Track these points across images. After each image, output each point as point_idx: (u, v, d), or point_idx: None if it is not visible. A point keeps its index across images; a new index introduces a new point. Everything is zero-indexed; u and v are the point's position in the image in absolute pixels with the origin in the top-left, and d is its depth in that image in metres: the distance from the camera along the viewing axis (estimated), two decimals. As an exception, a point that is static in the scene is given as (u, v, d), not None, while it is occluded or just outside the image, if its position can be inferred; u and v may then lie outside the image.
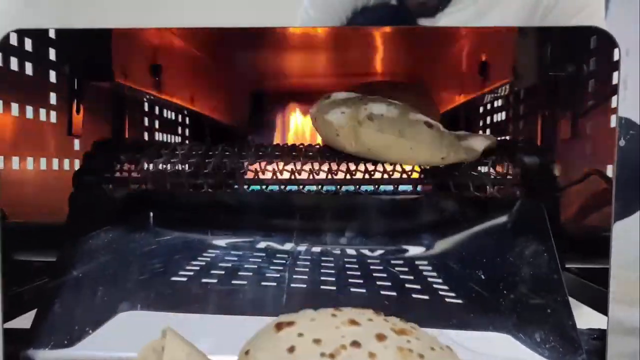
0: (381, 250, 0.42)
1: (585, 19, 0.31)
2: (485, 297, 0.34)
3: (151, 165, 0.45)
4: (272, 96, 1.19)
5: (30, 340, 0.32)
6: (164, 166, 0.45)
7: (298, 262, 0.41)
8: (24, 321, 0.35)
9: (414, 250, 0.41)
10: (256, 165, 0.47)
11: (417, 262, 0.40)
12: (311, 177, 0.46)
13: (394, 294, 0.37)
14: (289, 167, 0.47)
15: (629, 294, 0.31)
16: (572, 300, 0.44)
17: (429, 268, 0.39)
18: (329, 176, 0.46)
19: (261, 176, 0.47)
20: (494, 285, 0.34)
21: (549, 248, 0.36)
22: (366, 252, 0.42)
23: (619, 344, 0.30)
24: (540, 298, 0.33)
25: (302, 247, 0.43)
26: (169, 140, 0.93)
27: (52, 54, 0.58)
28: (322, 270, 0.40)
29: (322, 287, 0.38)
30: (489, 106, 0.85)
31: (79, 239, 0.40)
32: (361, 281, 0.38)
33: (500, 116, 0.81)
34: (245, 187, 0.48)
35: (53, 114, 0.58)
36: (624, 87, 0.29)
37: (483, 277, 0.35)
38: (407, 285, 0.37)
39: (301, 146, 0.51)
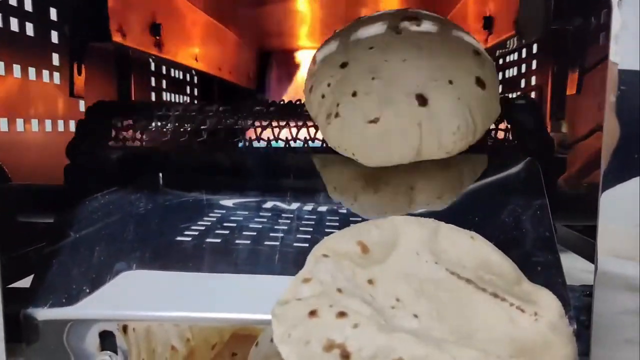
0: None
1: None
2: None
3: (144, 128, 0.45)
4: (280, 54, 1.18)
5: (29, 299, 0.33)
6: (158, 128, 0.45)
7: (303, 222, 0.41)
8: (24, 281, 0.36)
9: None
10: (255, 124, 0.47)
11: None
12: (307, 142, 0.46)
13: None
14: (286, 128, 0.47)
15: (617, 248, 0.31)
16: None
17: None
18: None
19: (260, 136, 0.47)
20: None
21: (542, 206, 0.35)
22: None
23: (607, 298, 0.31)
24: (531, 256, 0.33)
25: (308, 207, 0.43)
26: (178, 100, 0.93)
27: (53, 14, 0.58)
28: (326, 230, 0.40)
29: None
30: (500, 61, 0.84)
31: (78, 201, 0.40)
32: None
33: (511, 72, 0.80)
34: (246, 145, 0.48)
35: (56, 75, 0.58)
36: (615, 42, 0.28)
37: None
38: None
39: (298, 102, 0.51)
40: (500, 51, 0.74)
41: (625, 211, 0.31)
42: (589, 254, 0.54)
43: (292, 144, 0.46)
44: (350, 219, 0.41)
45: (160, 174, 0.46)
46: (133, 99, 0.74)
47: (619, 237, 0.31)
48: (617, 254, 0.31)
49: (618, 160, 0.30)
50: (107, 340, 0.32)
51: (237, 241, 0.39)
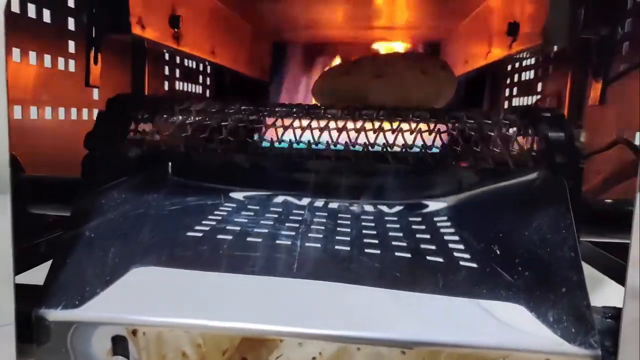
0: (400, 207, 0.42)
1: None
2: (499, 273, 0.33)
3: (165, 125, 0.44)
4: (295, 48, 1.17)
5: (42, 299, 0.32)
6: (179, 125, 0.44)
7: (314, 219, 0.41)
8: (38, 279, 0.35)
9: (429, 216, 0.41)
10: (273, 128, 0.46)
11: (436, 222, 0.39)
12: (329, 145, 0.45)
13: (408, 255, 0.36)
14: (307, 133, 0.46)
15: None
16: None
17: (449, 230, 0.38)
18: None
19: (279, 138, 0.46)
20: (509, 260, 0.34)
21: (567, 225, 0.34)
22: (384, 208, 0.42)
23: (637, 312, 0.30)
24: (555, 276, 0.32)
25: (319, 203, 0.43)
26: (191, 91, 0.93)
27: (70, 1, 0.57)
28: (338, 229, 0.39)
29: (336, 246, 0.38)
30: (517, 65, 0.83)
31: (93, 195, 0.40)
32: (376, 241, 0.38)
33: (528, 74, 0.79)
34: (263, 146, 0.47)
35: (72, 62, 0.58)
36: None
37: (498, 251, 0.34)
38: (422, 246, 0.37)
39: (322, 108, 0.50)
40: (521, 56, 0.73)
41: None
42: (602, 265, 0.54)
43: (314, 146, 0.45)
44: (362, 217, 0.41)
45: (168, 168, 0.45)
46: (147, 89, 0.74)
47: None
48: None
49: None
50: (119, 345, 0.31)
51: (250, 239, 0.38)
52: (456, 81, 0.69)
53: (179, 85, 0.88)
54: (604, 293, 0.33)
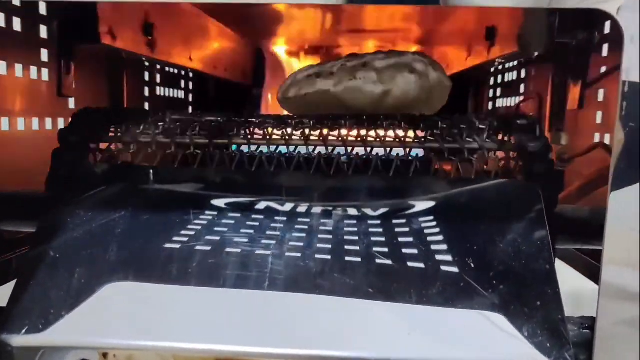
0: (384, 209, 0.41)
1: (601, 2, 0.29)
2: (474, 286, 0.33)
3: (131, 138, 0.43)
4: (277, 49, 1.16)
5: (4, 323, 0.31)
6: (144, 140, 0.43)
7: (296, 226, 0.40)
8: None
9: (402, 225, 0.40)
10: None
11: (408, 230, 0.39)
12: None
13: (389, 262, 0.36)
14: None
15: (623, 258, 0.30)
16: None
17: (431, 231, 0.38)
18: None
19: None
20: (483, 273, 0.33)
21: (543, 237, 0.34)
22: (368, 211, 0.41)
23: (611, 312, 0.30)
24: (531, 289, 0.32)
25: (302, 208, 0.42)
26: (173, 96, 0.92)
27: (42, 8, 0.56)
28: (319, 236, 0.39)
29: (316, 255, 0.37)
30: (500, 67, 0.83)
31: (60, 210, 0.38)
32: (357, 248, 0.37)
33: (511, 76, 0.79)
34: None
35: (45, 71, 0.57)
36: (627, 76, 0.27)
37: (472, 264, 0.34)
38: (404, 251, 0.36)
39: (293, 118, 0.49)
40: (502, 59, 0.73)
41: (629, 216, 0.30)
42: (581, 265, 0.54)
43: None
44: (345, 221, 0.39)
45: (151, 171, 0.44)
46: (126, 97, 0.73)
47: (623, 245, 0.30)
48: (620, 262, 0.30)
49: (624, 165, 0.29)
50: (85, 368, 0.30)
51: (229, 249, 0.37)
52: (451, 83, 0.61)
53: (160, 91, 0.87)
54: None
